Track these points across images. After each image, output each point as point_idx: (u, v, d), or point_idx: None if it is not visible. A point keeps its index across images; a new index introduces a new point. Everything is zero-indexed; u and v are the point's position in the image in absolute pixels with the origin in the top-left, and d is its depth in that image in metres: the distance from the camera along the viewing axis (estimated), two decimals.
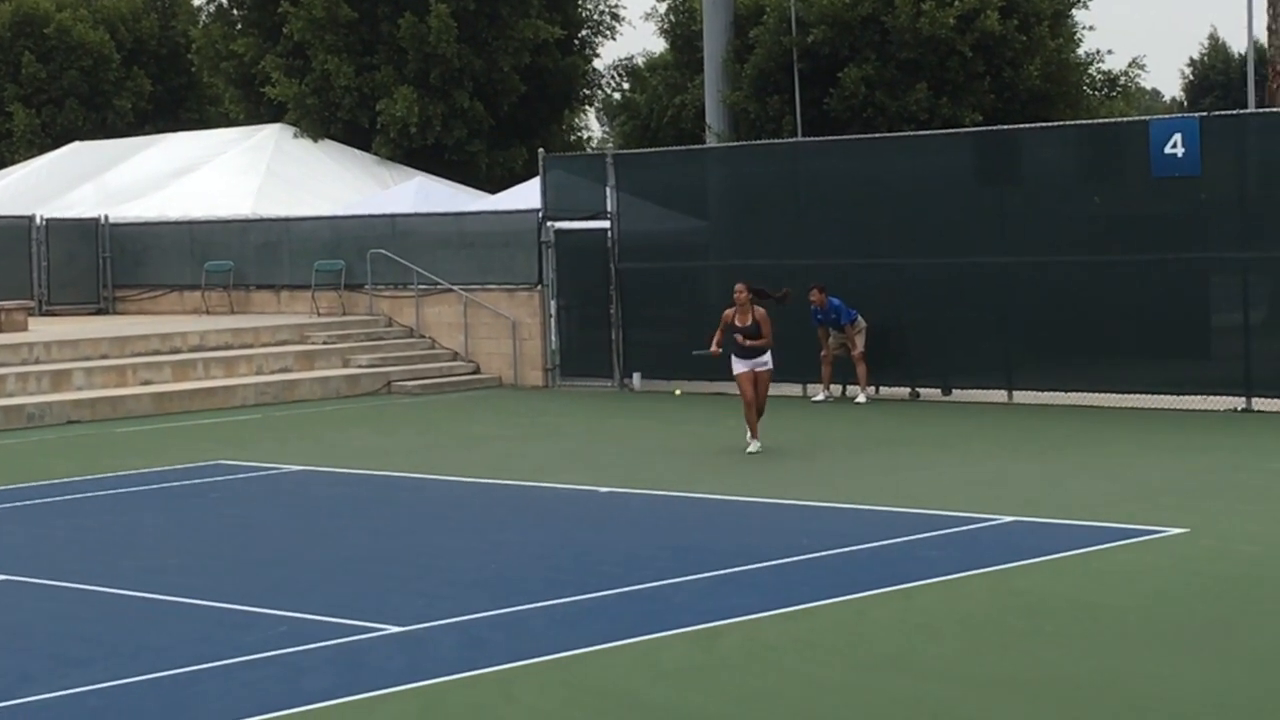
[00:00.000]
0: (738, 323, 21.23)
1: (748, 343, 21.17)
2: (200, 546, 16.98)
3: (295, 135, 43.96)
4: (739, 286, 21.42)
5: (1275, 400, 24.19)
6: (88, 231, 38.06)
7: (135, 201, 40.47)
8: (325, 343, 32.48)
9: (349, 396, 30.55)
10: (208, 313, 35.79)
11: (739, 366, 21.31)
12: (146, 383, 29.77)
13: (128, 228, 38.24)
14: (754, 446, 21.39)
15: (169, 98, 54.74)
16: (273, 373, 31.06)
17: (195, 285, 36.45)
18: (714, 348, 21.76)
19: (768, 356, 21.37)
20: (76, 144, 47.20)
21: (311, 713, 10.76)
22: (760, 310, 21.24)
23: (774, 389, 28.19)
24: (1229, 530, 15.71)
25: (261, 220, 37.08)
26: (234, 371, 30.89)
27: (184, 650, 12.37)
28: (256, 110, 46.87)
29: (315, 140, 43.93)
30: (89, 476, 21.59)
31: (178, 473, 21.76)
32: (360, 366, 31.74)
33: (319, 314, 34.26)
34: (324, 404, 29.73)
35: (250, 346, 32.04)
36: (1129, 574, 14.10)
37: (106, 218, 38.42)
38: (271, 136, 43.64)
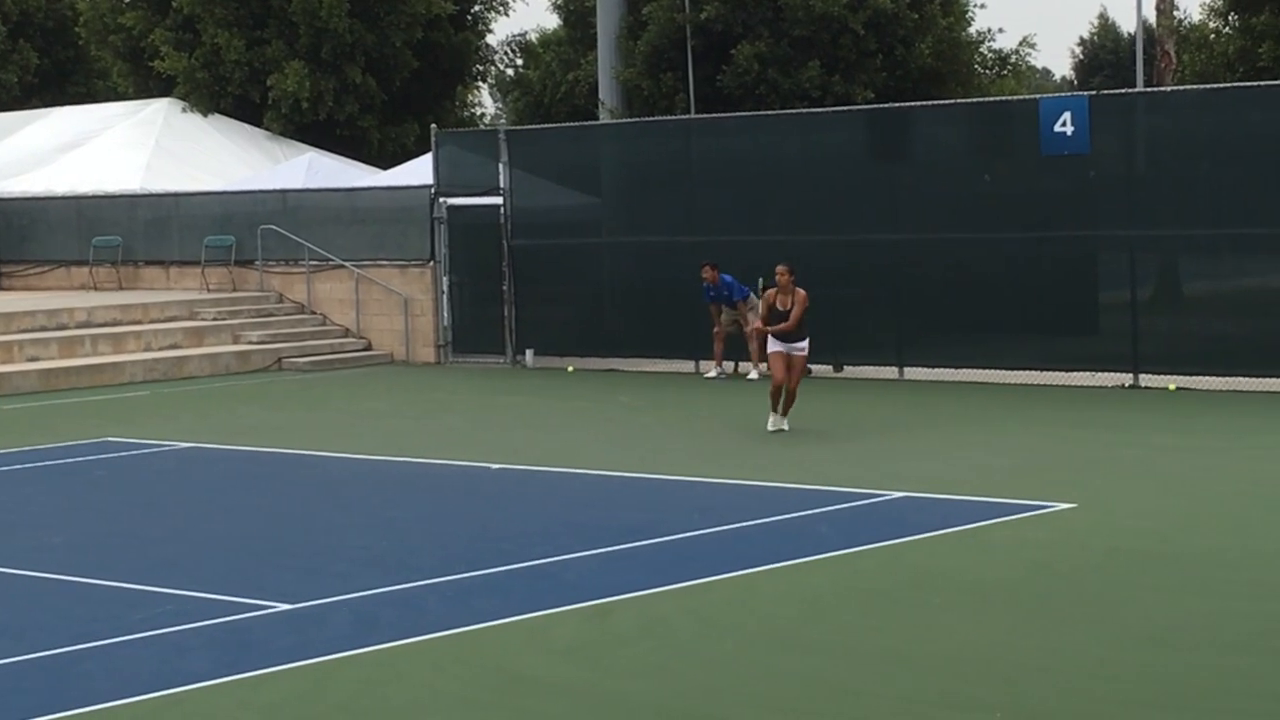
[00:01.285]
0: (779, 305, 20.93)
1: (778, 327, 20.90)
2: (87, 524, 16.81)
3: (185, 110, 43.52)
4: (781, 268, 20.93)
5: (1162, 377, 24.43)
6: None
7: (21, 176, 39.92)
8: (215, 319, 32.21)
9: (239, 373, 30.30)
10: (95, 289, 35.39)
11: (774, 345, 20.94)
12: (33, 359, 29.42)
13: (13, 203, 37.74)
14: (776, 423, 20.97)
15: (56, 71, 54.05)
16: (161, 349, 30.76)
17: (83, 261, 36.03)
18: (757, 324, 21.46)
19: (804, 342, 21.00)
20: None
21: (197, 691, 10.67)
22: (801, 293, 20.80)
23: (667, 365, 28.36)
24: (1115, 505, 15.86)
25: (150, 195, 36.70)
26: (122, 348, 30.56)
27: (69, 629, 12.24)
28: (145, 84, 46.39)
29: (205, 115, 43.51)
30: None
31: (64, 450, 21.52)
32: (251, 343, 31.50)
33: (209, 290, 33.97)
34: (214, 381, 29.49)
35: (139, 323, 31.71)
36: (1017, 548, 14.21)
37: None
38: (160, 111, 43.18)
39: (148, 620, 12.39)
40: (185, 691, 10.66)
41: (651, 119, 35.91)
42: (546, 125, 37.45)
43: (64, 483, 19.42)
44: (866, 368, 26.99)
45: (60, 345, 30.07)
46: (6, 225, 37.44)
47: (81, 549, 15.44)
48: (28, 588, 13.86)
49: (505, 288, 30.31)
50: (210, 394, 27.70)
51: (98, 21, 47.04)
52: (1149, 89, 34.49)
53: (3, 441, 22.30)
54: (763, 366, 27.24)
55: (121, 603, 13.09)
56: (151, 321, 31.85)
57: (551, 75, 43.44)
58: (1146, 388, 24.43)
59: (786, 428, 20.86)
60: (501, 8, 48.73)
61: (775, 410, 21.02)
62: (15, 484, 19.39)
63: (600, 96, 40.29)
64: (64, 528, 16.53)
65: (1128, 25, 72.88)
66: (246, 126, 43.65)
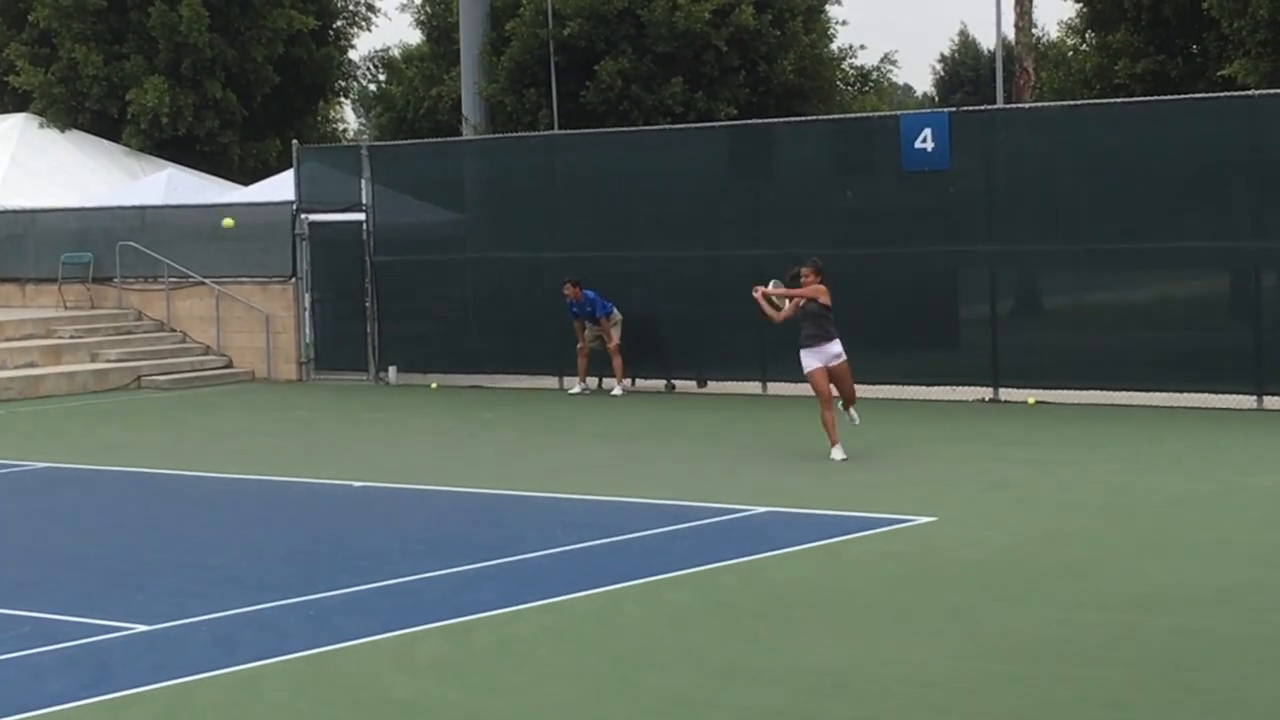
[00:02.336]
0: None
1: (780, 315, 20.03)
2: None
3: (41, 125, 43.03)
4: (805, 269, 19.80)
5: (1021, 390, 24.70)
6: None
7: None
8: (73, 337, 31.83)
9: (97, 392, 29.96)
10: None
11: (818, 361, 19.90)
12: None
13: None
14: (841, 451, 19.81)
15: None
16: (17, 368, 30.34)
17: None
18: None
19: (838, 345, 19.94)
20: None
21: (54, 714, 10.52)
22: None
23: (532, 381, 28.35)
24: (974, 518, 16.01)
25: (5, 212, 36.21)
26: None
27: None
28: (1, 99, 45.79)
29: (62, 130, 43.04)
30: None
31: None
32: (109, 361, 31.14)
33: (66, 307, 33.56)
34: (71, 399, 29.13)
35: None
36: (877, 562, 14.30)
37: None
38: (16, 126, 42.67)
39: (4, 643, 12.19)
40: (44, 714, 10.51)
41: (515, 135, 35.90)
42: (409, 141, 37.34)
43: None
44: (731, 383, 27.08)
45: None
46: None
47: None
48: None
49: (368, 304, 30.17)
50: (67, 413, 27.36)
51: None
52: (1008, 105, 34.93)
53: None
54: (626, 382, 27.32)
55: None
56: (7, 339, 31.41)
57: (415, 91, 43.30)
58: (1006, 401, 24.69)
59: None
60: (364, 23, 48.60)
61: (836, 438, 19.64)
62: None
63: (464, 112, 40.22)
64: None
65: (988, 42, 73.71)
66: (105, 142, 43.21)
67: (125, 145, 43.21)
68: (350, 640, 12.03)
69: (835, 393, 19.83)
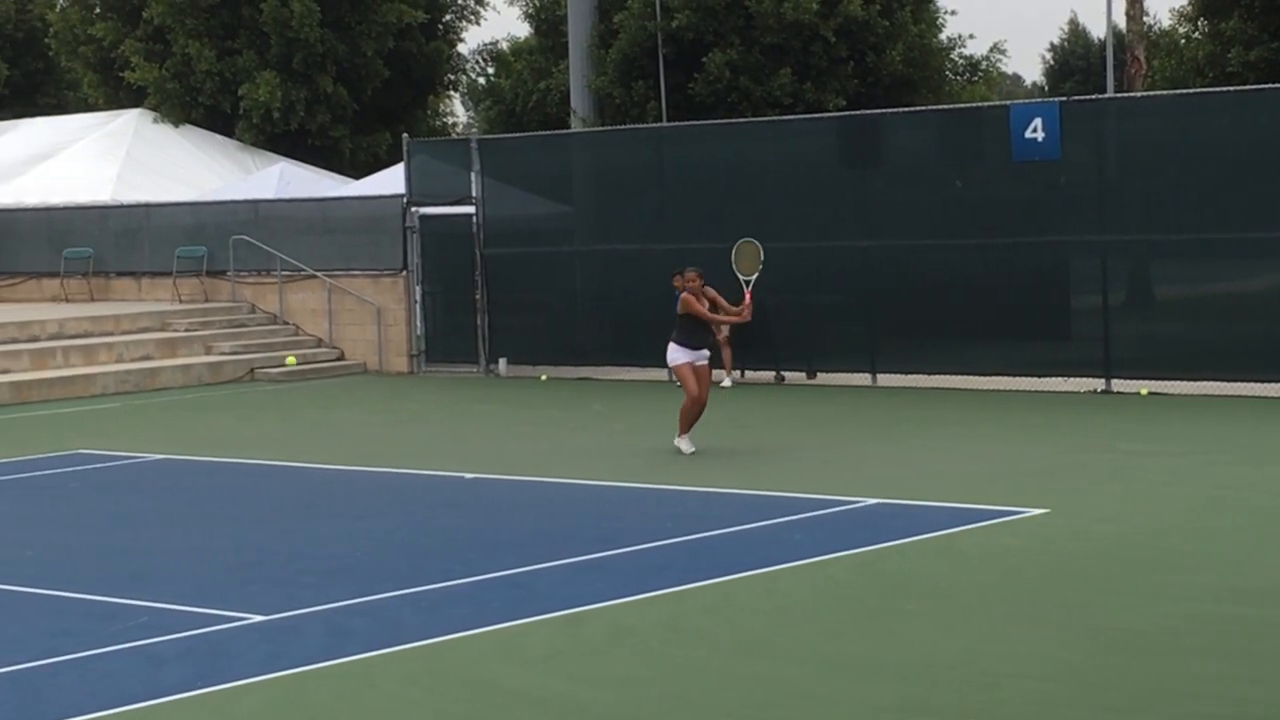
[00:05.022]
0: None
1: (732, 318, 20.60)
2: (59, 537, 16.76)
3: (155, 120, 43.47)
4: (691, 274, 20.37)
5: (1134, 381, 24.51)
6: None
7: None
8: (187, 330, 32.16)
9: (211, 384, 30.26)
10: (67, 300, 35.32)
11: (686, 356, 20.16)
12: (4, 371, 29.34)
13: None
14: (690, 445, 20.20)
15: (26, 83, 53.98)
16: (133, 361, 30.71)
17: (54, 273, 35.95)
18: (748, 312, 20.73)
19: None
20: None
21: (171, 704, 10.66)
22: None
23: (640, 373, 28.38)
24: (1087, 510, 15.90)
25: (122, 207, 36.64)
26: (94, 360, 30.52)
27: (41, 642, 12.21)
28: (116, 95, 46.32)
29: (176, 125, 43.46)
30: None
31: (36, 463, 21.47)
32: (223, 354, 31.45)
33: (181, 301, 33.92)
34: (186, 392, 29.44)
35: (110, 334, 31.66)
36: (989, 554, 14.24)
37: None
38: (131, 122, 43.12)
39: (122, 633, 12.36)
40: (161, 704, 10.65)
41: (623, 127, 35.95)
42: (518, 134, 37.44)
43: (36, 496, 19.37)
44: (840, 374, 27.02)
45: (32, 357, 30.01)
46: None
47: (54, 562, 15.40)
48: (0, 601, 13.83)
49: (478, 297, 30.31)
50: (182, 405, 27.65)
51: (68, 33, 46.97)
52: (1119, 95, 34.63)
53: None
54: (735, 374, 27.31)
55: (95, 615, 13.06)
56: (123, 333, 31.80)
57: (523, 84, 43.42)
58: (1118, 392, 24.51)
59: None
60: (473, 17, 48.79)
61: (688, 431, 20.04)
62: None
63: (572, 105, 40.29)
64: (36, 541, 16.49)
65: (1098, 31, 73.10)
66: (218, 137, 43.60)
67: (238, 140, 43.60)
68: (462, 631, 12.11)
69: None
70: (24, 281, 36.79)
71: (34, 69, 54.01)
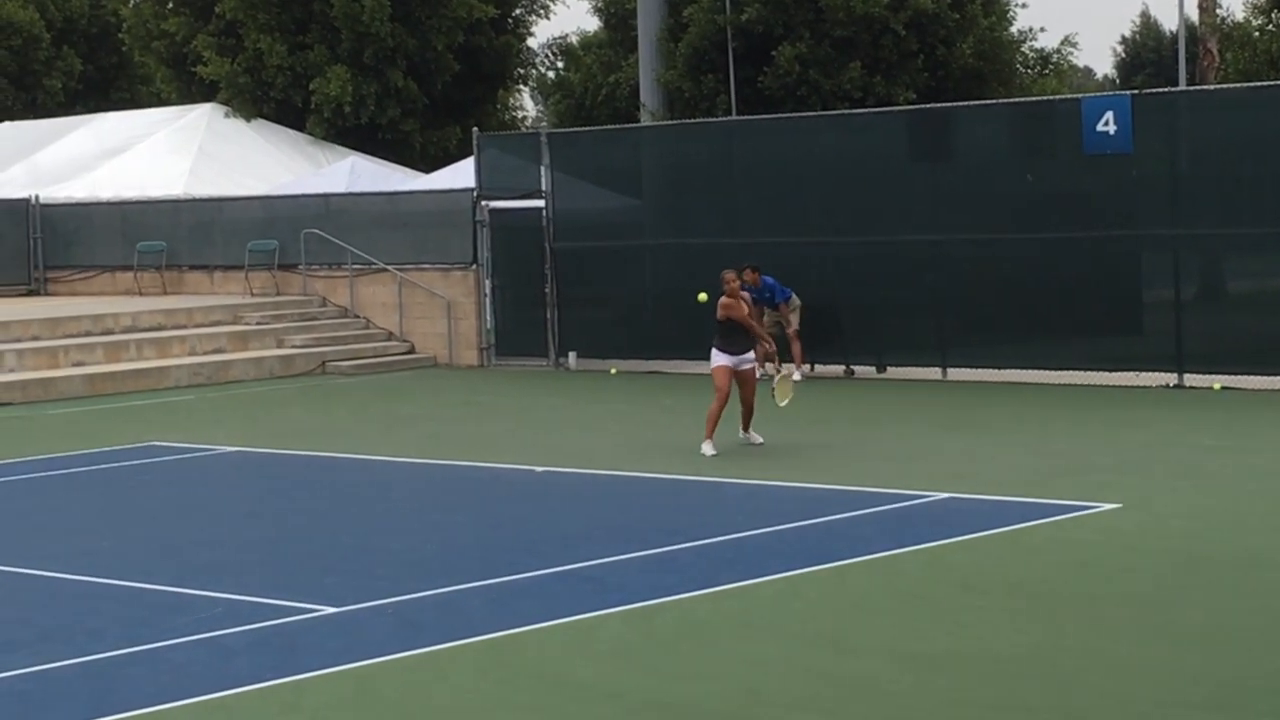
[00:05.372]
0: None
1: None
2: (133, 528, 16.90)
3: (227, 115, 43.65)
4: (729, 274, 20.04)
5: (1207, 376, 24.35)
6: (17, 212, 37.75)
7: (66, 182, 40.13)
8: (259, 323, 32.33)
9: (283, 377, 30.42)
10: (140, 293, 35.56)
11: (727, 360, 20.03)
12: (79, 364, 29.59)
13: (58, 208, 37.95)
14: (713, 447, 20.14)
15: (100, 77, 54.33)
16: (206, 353, 30.90)
17: (127, 266, 36.20)
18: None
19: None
20: (6, 124, 46.77)
21: (244, 695, 10.73)
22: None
23: (707, 368, 28.22)
24: (1160, 506, 15.82)
25: (194, 200, 36.86)
26: (167, 352, 30.72)
27: (116, 633, 12.31)
28: (188, 90, 46.55)
29: (248, 120, 43.65)
30: (20, 459, 21.43)
31: (110, 454, 21.63)
32: (295, 347, 31.61)
33: (253, 294, 34.09)
34: (258, 385, 29.60)
35: (183, 327, 31.88)
36: (1061, 549, 14.18)
37: (37, 198, 38.08)
38: (203, 116, 43.32)
39: (195, 624, 12.45)
40: (234, 695, 10.72)
41: (693, 121, 35.93)
42: (588, 128, 37.47)
43: (110, 488, 19.53)
44: (910, 369, 26.94)
45: (105, 350, 30.24)
46: (52, 231, 37.66)
47: (128, 553, 15.52)
48: (75, 592, 13.95)
49: (547, 290, 30.35)
50: (255, 398, 27.81)
51: (141, 28, 47.26)
52: (1192, 88, 34.38)
53: (49, 447, 22.43)
54: (805, 368, 27.26)
55: (168, 607, 13.15)
56: (196, 326, 32.02)
57: (592, 78, 43.45)
58: (1191, 387, 24.35)
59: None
60: (542, 11, 48.81)
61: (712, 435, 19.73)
62: (62, 489, 19.51)
63: (641, 99, 40.29)
64: (110, 532, 16.63)
65: (1170, 23, 72.58)
66: (289, 131, 43.78)
67: (309, 134, 43.75)
68: (532, 624, 12.14)
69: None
70: (98, 275, 37.08)
71: (107, 64, 54.36)
